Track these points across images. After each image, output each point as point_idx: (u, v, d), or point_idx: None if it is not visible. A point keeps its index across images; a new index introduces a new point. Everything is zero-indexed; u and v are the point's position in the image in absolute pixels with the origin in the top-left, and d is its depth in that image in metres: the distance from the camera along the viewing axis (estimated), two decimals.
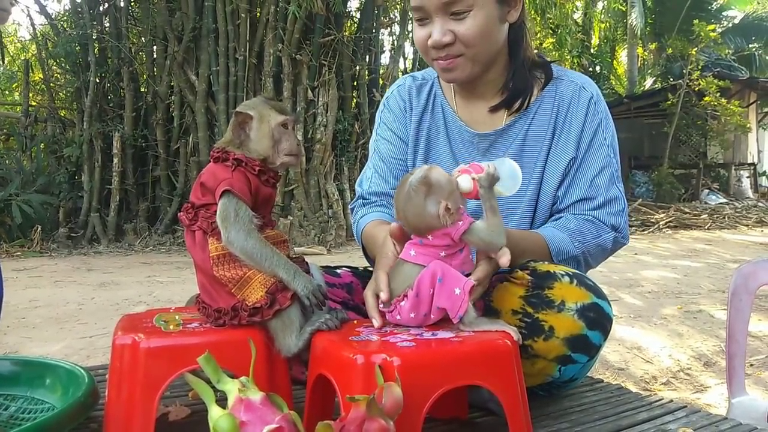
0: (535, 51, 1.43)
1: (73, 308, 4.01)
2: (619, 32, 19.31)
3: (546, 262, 1.18)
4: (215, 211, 1.04)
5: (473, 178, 1.00)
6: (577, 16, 16.51)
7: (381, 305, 1.05)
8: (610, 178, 1.34)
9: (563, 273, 1.11)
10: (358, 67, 8.16)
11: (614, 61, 19.89)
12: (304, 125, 7.70)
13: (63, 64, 8.73)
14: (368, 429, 0.74)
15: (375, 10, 8.30)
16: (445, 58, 1.28)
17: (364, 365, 0.89)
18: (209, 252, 1.07)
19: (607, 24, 19.12)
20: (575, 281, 1.10)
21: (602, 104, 1.38)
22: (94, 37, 8.07)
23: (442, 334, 0.97)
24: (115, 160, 7.88)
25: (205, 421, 1.23)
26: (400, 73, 8.81)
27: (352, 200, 1.62)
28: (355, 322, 1.12)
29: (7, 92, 11.99)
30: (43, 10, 8.98)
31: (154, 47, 8.32)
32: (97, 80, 8.08)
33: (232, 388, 0.89)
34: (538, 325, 1.08)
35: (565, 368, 1.12)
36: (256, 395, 0.87)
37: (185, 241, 1.13)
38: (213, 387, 0.90)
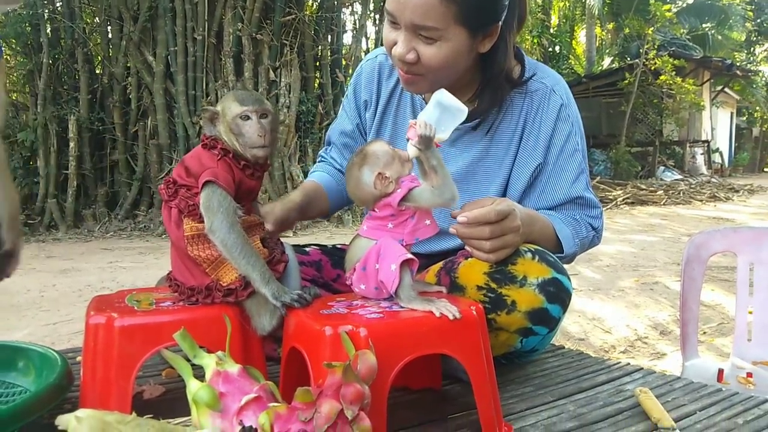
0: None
1: (34, 296, 3.93)
2: (577, 12, 19.58)
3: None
4: (195, 193, 1.04)
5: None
6: None
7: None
8: (586, 183, 1.37)
9: (525, 249, 1.15)
10: (320, 47, 8.09)
11: (573, 41, 20.17)
12: None
13: (13, 46, 8.40)
14: (345, 393, 0.77)
15: None
16: (405, 72, 1.26)
17: (332, 336, 0.91)
18: (184, 231, 1.07)
19: (566, 3, 19.35)
20: (537, 257, 1.14)
21: (572, 108, 1.37)
22: (45, 17, 7.78)
23: None
24: (72, 144, 7.67)
25: (180, 398, 1.24)
26: (362, 54, 8.75)
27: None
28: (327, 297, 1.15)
29: None
30: None
31: (109, 27, 8.08)
32: (50, 62, 7.82)
33: (209, 362, 0.91)
34: (501, 300, 1.12)
35: (526, 340, 1.17)
36: (233, 368, 0.89)
37: (162, 215, 1.13)
38: (189, 363, 0.91)
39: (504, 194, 1.37)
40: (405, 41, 1.21)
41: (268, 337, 1.19)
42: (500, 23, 1.25)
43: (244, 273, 1.04)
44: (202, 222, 1.06)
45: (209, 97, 7.68)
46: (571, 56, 19.22)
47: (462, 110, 1.06)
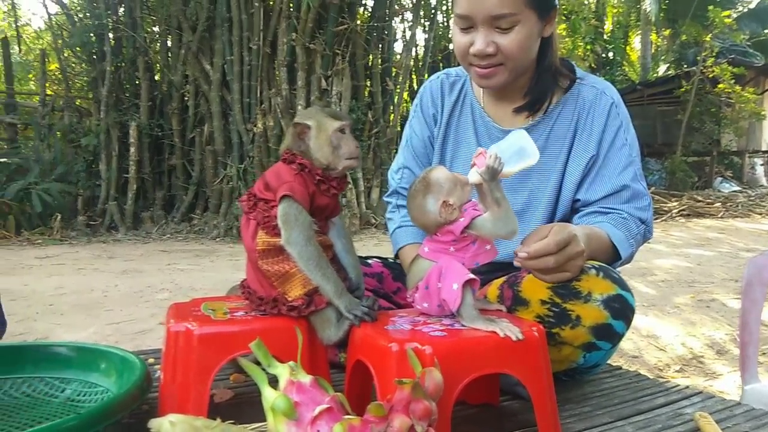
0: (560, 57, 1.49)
1: (98, 295, 4.12)
2: (632, 18, 19.14)
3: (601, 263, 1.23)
4: (273, 206, 1.10)
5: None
6: (591, 1, 16.34)
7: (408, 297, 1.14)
8: (634, 175, 1.41)
9: (590, 266, 1.18)
10: (371, 56, 8.19)
11: (627, 47, 19.73)
12: None
13: (79, 54, 8.82)
14: (414, 409, 0.81)
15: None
16: (485, 66, 1.35)
17: (398, 353, 0.96)
18: (256, 243, 1.13)
19: (621, 10, 18.95)
20: (601, 274, 1.17)
21: (622, 108, 1.45)
22: (109, 27, 8.14)
23: None
24: (132, 149, 7.99)
25: (248, 402, 1.31)
26: (412, 62, 8.82)
27: (386, 193, 1.73)
28: (390, 312, 1.19)
29: (23, 82, 12.12)
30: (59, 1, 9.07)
31: (169, 37, 8.39)
32: (113, 70, 8.17)
33: (282, 371, 0.96)
34: (566, 314, 1.15)
35: (589, 354, 1.19)
36: (305, 378, 0.94)
37: (241, 225, 1.19)
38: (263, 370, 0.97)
39: (560, 188, 1.44)
40: (483, 36, 1.31)
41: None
42: (557, 8, 1.37)
43: (318, 284, 1.09)
44: (275, 236, 1.12)
45: (263, 105, 7.88)
46: (625, 63, 18.80)
47: (535, 155, 1.09)
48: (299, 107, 7.70)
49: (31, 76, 11.35)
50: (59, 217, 7.41)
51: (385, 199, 1.72)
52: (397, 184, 1.66)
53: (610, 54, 17.47)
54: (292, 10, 7.69)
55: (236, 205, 7.68)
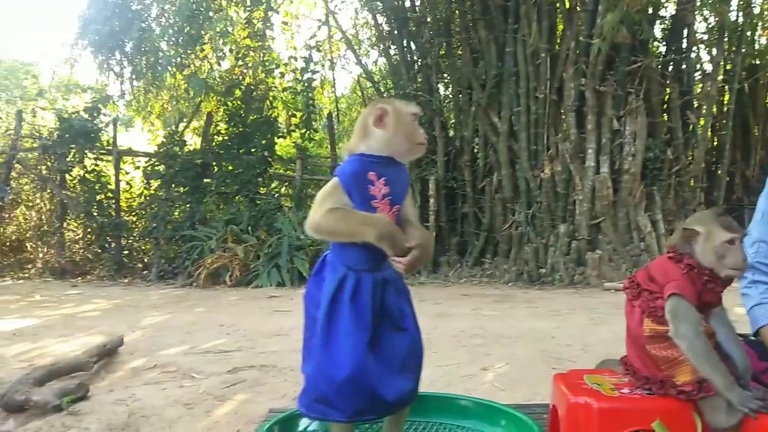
0: None
1: (424, 337, 4.65)
2: None
3: None
4: (656, 297, 1.25)
5: None
6: None
7: None
8: None
9: None
10: (668, 90, 7.75)
11: None
12: (610, 156, 7.60)
13: None
14: None
15: (685, 29, 7.81)
16: None
17: None
18: (644, 330, 1.27)
19: None
20: None
21: None
22: (410, 94, 9.22)
23: None
24: (431, 200, 8.83)
25: None
26: (716, 91, 8.07)
27: None
28: None
29: (338, 147, 14.27)
30: (368, 76, 10.63)
31: (460, 96, 9.14)
32: None
33: None
34: None
35: None
36: None
37: (625, 307, 1.35)
38: None
39: None
40: None
41: None
42: None
43: (707, 376, 1.19)
44: (662, 325, 1.25)
45: (550, 151, 8.02)
46: None
47: None
48: (589, 151, 7.64)
49: (345, 141, 13.32)
50: None
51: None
52: (753, 258, 1.63)
53: None
54: (579, 55, 7.73)
55: (525, 251, 7.88)
